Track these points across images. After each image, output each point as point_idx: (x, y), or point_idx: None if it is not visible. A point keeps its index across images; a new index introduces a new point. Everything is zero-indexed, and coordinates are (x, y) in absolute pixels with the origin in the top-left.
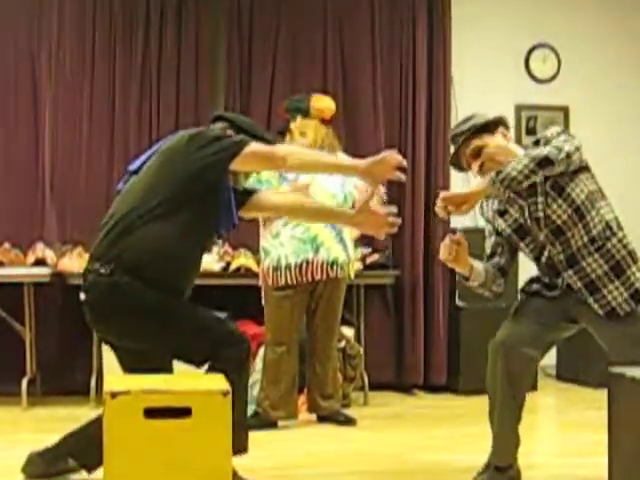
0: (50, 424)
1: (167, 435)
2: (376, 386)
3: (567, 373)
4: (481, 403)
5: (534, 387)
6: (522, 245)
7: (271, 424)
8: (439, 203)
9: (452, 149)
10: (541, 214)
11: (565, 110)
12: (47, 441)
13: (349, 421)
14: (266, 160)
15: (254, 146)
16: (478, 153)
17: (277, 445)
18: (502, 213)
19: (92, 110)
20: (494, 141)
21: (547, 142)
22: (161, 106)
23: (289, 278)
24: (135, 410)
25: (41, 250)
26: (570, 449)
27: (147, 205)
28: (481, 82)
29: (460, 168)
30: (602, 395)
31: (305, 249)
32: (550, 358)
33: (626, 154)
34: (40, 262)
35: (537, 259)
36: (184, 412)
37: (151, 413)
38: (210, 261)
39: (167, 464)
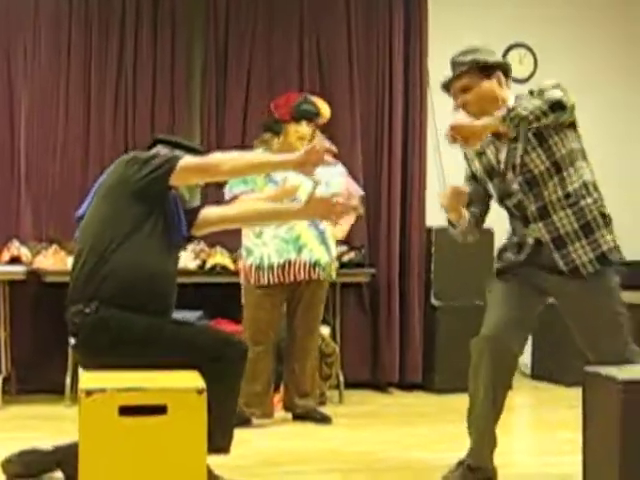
0: (25, 422)
1: (142, 433)
2: (352, 384)
3: (542, 372)
4: (456, 401)
5: (509, 387)
6: (490, 186)
7: (245, 421)
8: (448, 132)
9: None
10: (518, 160)
11: None
12: (22, 439)
13: (325, 419)
14: (200, 171)
15: (186, 160)
16: (465, 90)
17: (252, 443)
18: (480, 154)
19: (68, 109)
20: (485, 85)
21: (540, 93)
22: (137, 105)
23: (272, 278)
24: (110, 408)
25: (16, 248)
26: (545, 448)
27: (108, 237)
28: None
29: (448, 92)
30: (577, 394)
31: (288, 249)
32: (525, 357)
33: (602, 153)
34: (15, 260)
35: (501, 201)
36: (159, 410)
37: (126, 411)
38: (186, 259)
39: (142, 462)
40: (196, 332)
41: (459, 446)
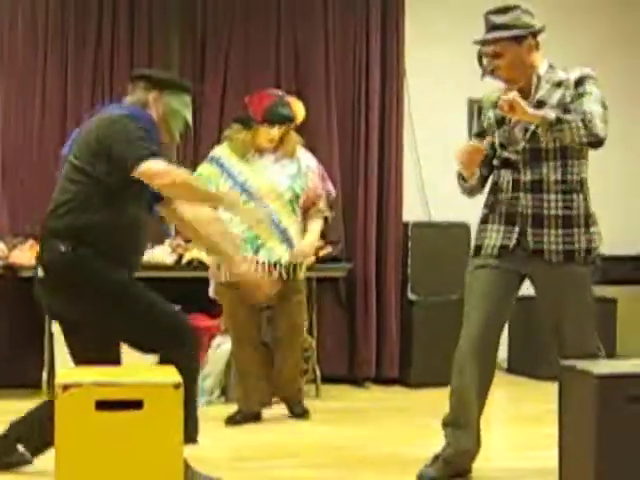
0: (1, 417)
1: (119, 427)
2: (328, 379)
3: (518, 367)
4: (432, 396)
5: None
6: (497, 134)
7: (255, 416)
8: (505, 101)
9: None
10: (532, 127)
11: None
12: None
13: (303, 414)
14: (153, 179)
15: (150, 165)
16: (496, 56)
17: (229, 436)
18: (496, 104)
19: (44, 103)
20: (516, 53)
21: (590, 119)
22: (114, 97)
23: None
24: (86, 402)
25: None
26: (521, 442)
27: (87, 186)
28: (434, 75)
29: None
30: (553, 388)
31: (245, 248)
32: (502, 352)
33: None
34: None
35: (503, 149)
36: (136, 404)
37: (103, 405)
38: (162, 254)
39: (119, 456)
40: (160, 307)
41: (435, 441)
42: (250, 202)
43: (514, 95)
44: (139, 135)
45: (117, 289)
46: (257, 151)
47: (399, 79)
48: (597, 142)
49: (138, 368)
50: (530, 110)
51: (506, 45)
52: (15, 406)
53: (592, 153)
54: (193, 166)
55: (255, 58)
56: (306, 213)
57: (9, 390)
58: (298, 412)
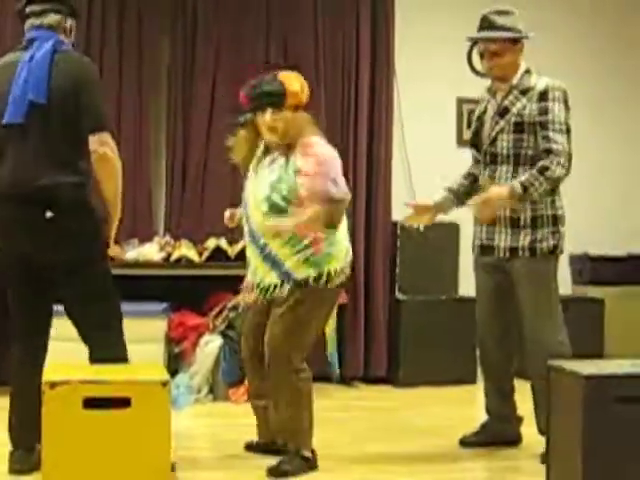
0: None
1: (106, 425)
2: (317, 378)
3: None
4: (420, 395)
5: (473, 381)
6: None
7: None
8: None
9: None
10: (494, 132)
11: None
12: None
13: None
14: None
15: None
16: (495, 55)
17: (218, 435)
18: (502, 114)
19: None
20: (513, 55)
21: (544, 112)
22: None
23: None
24: (74, 400)
25: None
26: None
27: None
28: (423, 74)
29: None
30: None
31: (248, 268)
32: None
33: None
34: None
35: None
36: (123, 402)
37: (90, 403)
38: (151, 251)
39: (106, 454)
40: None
41: (424, 440)
42: (245, 213)
43: (482, 199)
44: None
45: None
46: (270, 149)
47: (389, 78)
48: (560, 180)
49: (125, 366)
50: (499, 200)
51: (505, 46)
52: (1, 403)
53: (583, 157)
54: (182, 164)
55: (245, 55)
56: None
57: None
58: (272, 469)
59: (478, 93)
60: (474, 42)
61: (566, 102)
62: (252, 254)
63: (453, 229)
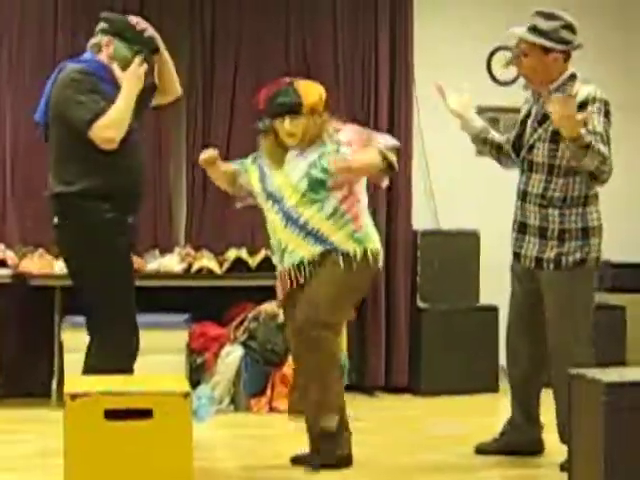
0: (11, 426)
1: (128, 436)
2: None
3: None
4: (442, 404)
5: (495, 390)
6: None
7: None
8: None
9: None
10: (533, 139)
11: None
12: (9, 442)
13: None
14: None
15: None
16: (524, 54)
17: (239, 446)
18: (540, 122)
19: None
20: (540, 59)
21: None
22: None
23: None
24: (95, 412)
25: (2, 251)
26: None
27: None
28: (443, 83)
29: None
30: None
31: (277, 259)
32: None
33: None
34: (1, 263)
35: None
36: (145, 413)
37: (112, 415)
38: (172, 262)
39: (128, 465)
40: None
41: (446, 449)
42: (274, 205)
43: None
44: (85, 95)
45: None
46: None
47: (408, 87)
48: (601, 182)
49: (147, 377)
50: (577, 129)
51: (533, 49)
52: (25, 415)
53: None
54: (202, 175)
55: (264, 54)
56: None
57: (19, 399)
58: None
59: (498, 102)
60: (495, 50)
61: (607, 114)
62: (290, 238)
63: (473, 237)
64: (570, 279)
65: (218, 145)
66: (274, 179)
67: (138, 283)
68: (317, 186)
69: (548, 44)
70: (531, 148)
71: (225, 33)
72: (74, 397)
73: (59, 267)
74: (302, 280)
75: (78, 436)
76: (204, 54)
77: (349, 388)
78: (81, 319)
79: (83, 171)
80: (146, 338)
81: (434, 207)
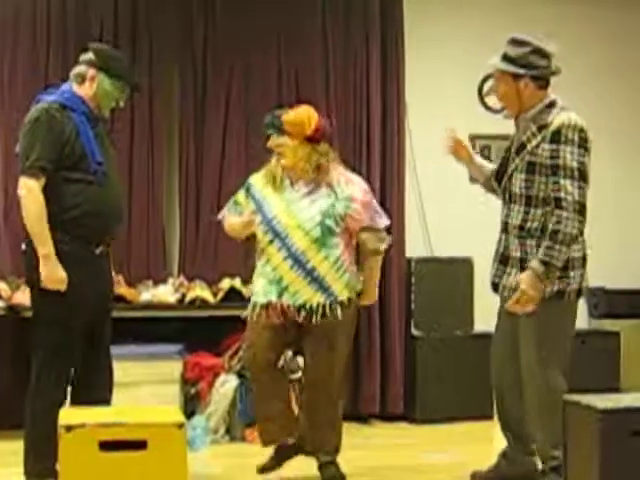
0: (4, 458)
1: (123, 468)
2: None
3: None
4: (437, 432)
5: (490, 417)
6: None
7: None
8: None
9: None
10: (510, 169)
11: None
12: (2, 475)
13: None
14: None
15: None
16: (497, 81)
17: (235, 476)
18: (518, 151)
19: None
20: (510, 86)
21: (555, 156)
22: (114, 131)
23: (255, 317)
24: (90, 443)
25: None
26: None
27: None
28: (436, 111)
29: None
30: None
31: (270, 290)
32: None
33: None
34: None
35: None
36: (139, 445)
37: (106, 446)
38: (165, 293)
39: None
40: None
41: (442, 476)
42: (275, 240)
43: (514, 300)
44: (38, 144)
45: None
46: (289, 176)
47: (400, 114)
48: (577, 235)
49: (141, 408)
50: (530, 290)
51: (503, 77)
52: (19, 446)
53: (598, 192)
54: (195, 205)
55: (256, 86)
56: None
57: (13, 431)
58: (326, 476)
59: (490, 129)
60: (486, 77)
61: (581, 143)
62: (294, 280)
63: (467, 264)
64: (546, 309)
65: (210, 175)
66: (276, 214)
67: (132, 314)
68: (328, 234)
69: (516, 70)
70: (510, 178)
71: (216, 65)
72: (69, 429)
73: None
74: (300, 320)
75: (73, 467)
76: (195, 86)
77: (344, 417)
78: None
79: (46, 200)
80: (140, 369)
81: (427, 235)
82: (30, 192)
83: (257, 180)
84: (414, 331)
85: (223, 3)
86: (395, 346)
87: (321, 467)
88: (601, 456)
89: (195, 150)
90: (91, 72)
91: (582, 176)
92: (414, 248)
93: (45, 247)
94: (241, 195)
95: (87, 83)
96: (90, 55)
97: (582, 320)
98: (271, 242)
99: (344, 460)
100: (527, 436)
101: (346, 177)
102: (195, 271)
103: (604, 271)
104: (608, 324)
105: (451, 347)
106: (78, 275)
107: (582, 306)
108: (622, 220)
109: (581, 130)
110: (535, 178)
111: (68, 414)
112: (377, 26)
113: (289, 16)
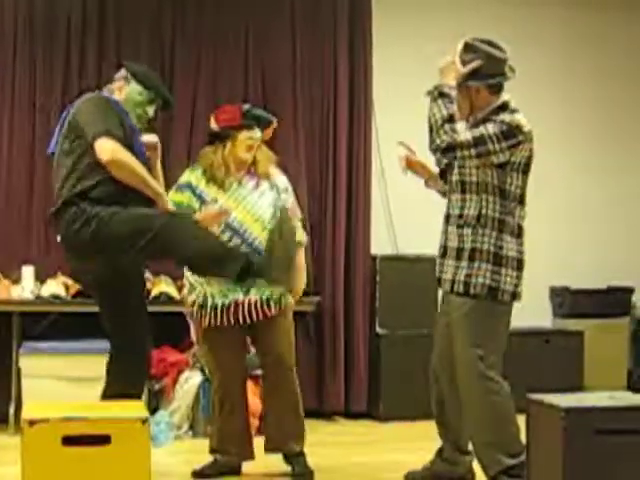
0: None
1: (86, 463)
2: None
3: None
4: (400, 429)
5: None
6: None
7: (232, 470)
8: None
9: None
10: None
11: None
12: None
13: (304, 474)
14: (101, 154)
15: (102, 142)
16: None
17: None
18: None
19: (12, 142)
20: (460, 96)
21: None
22: None
23: (214, 320)
24: (53, 438)
25: None
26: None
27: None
28: (402, 108)
29: None
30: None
31: (235, 289)
32: None
33: (549, 194)
34: None
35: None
36: (103, 440)
37: (69, 441)
38: None
39: None
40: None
41: (403, 473)
42: (233, 237)
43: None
44: (103, 113)
45: None
46: (237, 168)
47: (367, 111)
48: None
49: (105, 403)
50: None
51: (468, 85)
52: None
53: (563, 191)
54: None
55: (223, 87)
56: None
57: None
58: (298, 471)
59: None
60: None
61: (505, 133)
62: None
63: (431, 263)
64: (476, 308)
65: (177, 169)
66: (228, 203)
67: (96, 309)
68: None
69: (468, 84)
70: (448, 166)
71: (184, 60)
72: (32, 423)
73: (17, 293)
74: (269, 314)
75: (36, 462)
76: (163, 82)
77: (308, 414)
78: (39, 345)
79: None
80: (104, 364)
81: (393, 232)
82: (115, 150)
83: (195, 179)
84: (378, 329)
85: None
86: (359, 344)
87: (291, 460)
88: (565, 455)
89: (162, 145)
90: (122, 81)
91: (478, 145)
92: (379, 246)
93: (158, 186)
94: (177, 194)
95: (117, 90)
96: (123, 71)
97: (546, 319)
98: (229, 241)
99: (308, 455)
100: (463, 436)
101: (274, 169)
102: (160, 266)
103: (569, 271)
104: (572, 324)
105: (415, 345)
106: None
107: (546, 305)
108: (588, 219)
109: (509, 124)
110: (466, 163)
111: (32, 408)
112: (345, 23)
113: (257, 13)
